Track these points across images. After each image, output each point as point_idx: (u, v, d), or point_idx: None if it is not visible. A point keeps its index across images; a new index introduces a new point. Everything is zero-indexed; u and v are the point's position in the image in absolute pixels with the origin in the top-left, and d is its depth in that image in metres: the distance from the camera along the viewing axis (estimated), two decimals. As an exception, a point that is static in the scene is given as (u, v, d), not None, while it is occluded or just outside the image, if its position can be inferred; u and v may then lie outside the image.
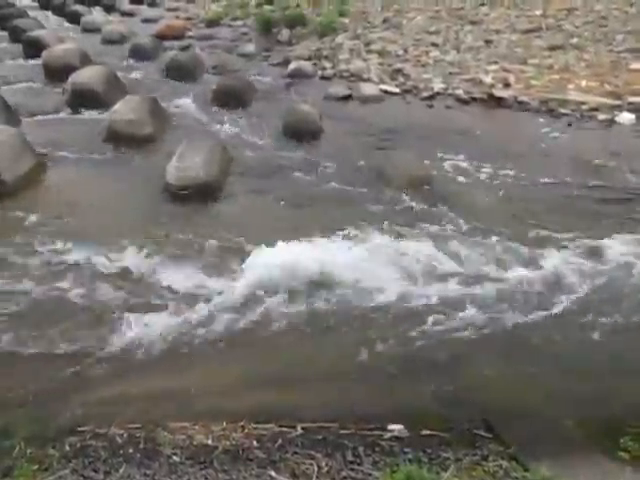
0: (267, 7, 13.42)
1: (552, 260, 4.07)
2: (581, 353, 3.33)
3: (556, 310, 3.63)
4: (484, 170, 5.63)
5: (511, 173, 5.57)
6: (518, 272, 3.96)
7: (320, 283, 3.76)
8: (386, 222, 4.56)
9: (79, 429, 2.68)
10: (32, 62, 8.64)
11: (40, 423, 2.73)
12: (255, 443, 2.58)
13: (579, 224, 4.57)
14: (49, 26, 11.46)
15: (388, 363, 3.23)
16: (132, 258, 4.04)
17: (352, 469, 2.45)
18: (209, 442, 2.59)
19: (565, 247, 4.25)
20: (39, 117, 6.61)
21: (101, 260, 4.02)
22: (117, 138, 5.96)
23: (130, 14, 14.35)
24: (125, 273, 3.92)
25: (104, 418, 2.78)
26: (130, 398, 2.97)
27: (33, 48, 8.97)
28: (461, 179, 5.47)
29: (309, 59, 9.41)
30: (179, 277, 3.87)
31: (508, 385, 3.09)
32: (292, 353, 3.32)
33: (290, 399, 2.97)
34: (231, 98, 7.25)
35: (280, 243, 4.00)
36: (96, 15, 13.81)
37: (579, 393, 3.03)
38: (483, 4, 12.81)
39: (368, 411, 2.87)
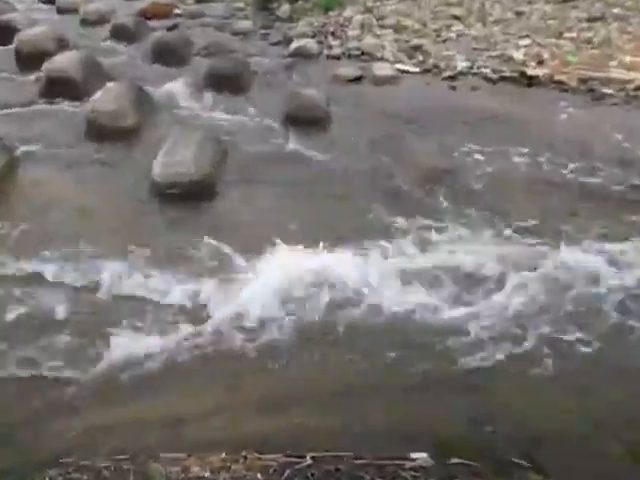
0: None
1: (600, 266, 4.03)
2: (635, 371, 3.32)
3: (609, 322, 3.62)
4: (517, 161, 5.63)
5: (548, 164, 5.58)
6: (559, 279, 3.95)
7: (328, 295, 3.79)
8: (404, 224, 4.59)
9: (61, 461, 2.70)
10: (2, 48, 8.72)
11: (17, 454, 2.77)
12: (259, 476, 2.59)
13: (630, 225, 4.56)
14: (21, 8, 11.55)
15: (408, 383, 3.25)
16: (114, 268, 4.07)
17: (370, 504, 2.44)
18: (206, 475, 2.60)
19: (613, 251, 4.23)
20: (10, 109, 6.70)
21: (80, 272, 4.06)
22: (97, 131, 6.03)
23: (110, -10, 14.40)
24: (106, 286, 3.95)
25: (89, 448, 2.81)
26: (117, 426, 3.00)
27: (3, 33, 9.05)
28: (490, 171, 5.47)
29: (313, 36, 9.45)
30: (168, 290, 3.90)
31: (548, 407, 3.09)
32: (298, 373, 3.34)
33: (298, 425, 2.98)
34: (225, 83, 7.31)
35: (282, 250, 4.03)
36: (72, -7, 13.87)
37: (630, 417, 3.03)
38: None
39: (387, 437, 2.88)
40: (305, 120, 6.35)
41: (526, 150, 5.78)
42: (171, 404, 3.16)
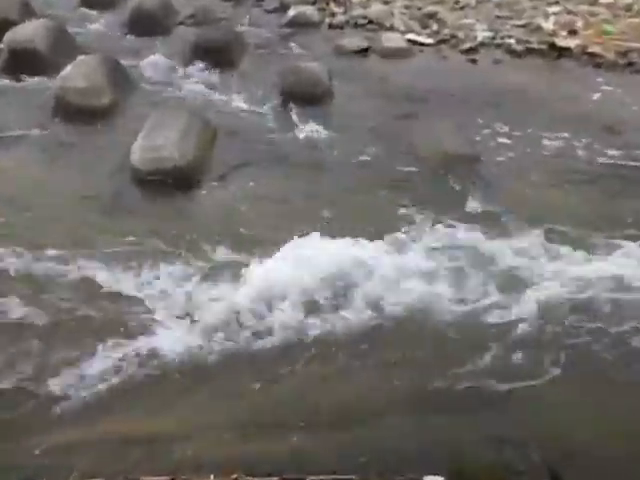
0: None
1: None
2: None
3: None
4: (545, 144, 5.65)
5: (580, 148, 5.58)
6: (588, 280, 3.96)
7: (331, 296, 3.81)
8: (417, 215, 4.59)
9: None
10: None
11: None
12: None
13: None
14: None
15: (420, 397, 3.25)
16: (91, 265, 4.06)
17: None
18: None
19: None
20: (-32, 87, 6.61)
21: (51, 269, 4.05)
22: (68, 111, 6.01)
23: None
24: (81, 285, 3.94)
25: (61, 469, 2.81)
26: (94, 444, 2.99)
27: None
28: (515, 157, 5.47)
29: (313, 3, 9.41)
30: (151, 290, 3.90)
31: (578, 423, 3.11)
32: (297, 385, 3.34)
33: (296, 444, 2.98)
34: (214, 55, 7.29)
35: (280, 245, 4.04)
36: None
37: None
38: None
39: (396, 457, 2.88)
40: (304, 98, 6.35)
41: (556, 132, 5.79)
42: (153, 421, 3.15)
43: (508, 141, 5.69)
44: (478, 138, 5.71)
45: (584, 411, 3.20)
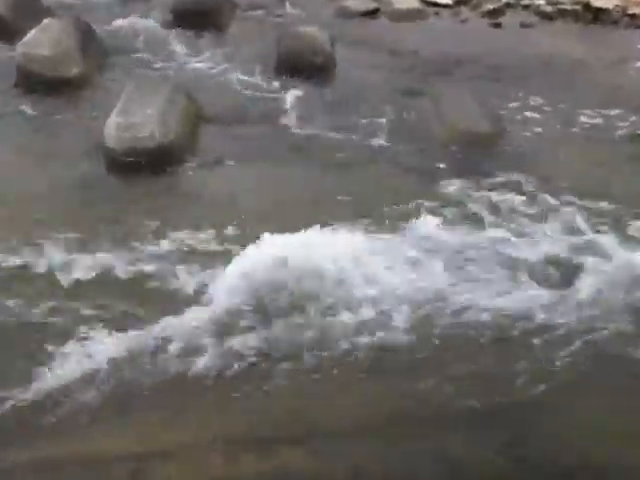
0: None
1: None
2: None
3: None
4: (579, 119, 5.64)
5: (619, 123, 5.58)
6: (625, 269, 3.97)
7: (330, 295, 3.78)
8: (429, 201, 4.57)
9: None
10: None
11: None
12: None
13: None
14: None
15: (430, 410, 3.24)
16: (59, 259, 4.05)
17: None
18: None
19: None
20: None
21: (13, 262, 4.03)
22: (31, 82, 5.97)
23: None
24: (49, 280, 3.92)
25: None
26: (66, 461, 3.00)
27: None
28: (544, 134, 5.45)
29: (314, -43, 9.35)
30: (126, 286, 3.89)
31: (614, 437, 3.08)
32: (295, 395, 3.32)
33: (296, 464, 2.98)
34: (200, 19, 7.28)
35: (271, 237, 3.99)
36: None
37: None
38: None
39: (404, 476, 2.89)
40: (303, 67, 6.33)
41: (591, 106, 5.79)
42: (131, 434, 3.13)
43: (536, 116, 5.69)
44: (502, 112, 5.69)
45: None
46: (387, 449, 3.02)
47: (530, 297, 3.80)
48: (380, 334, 3.56)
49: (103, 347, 3.47)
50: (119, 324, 3.63)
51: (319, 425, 3.16)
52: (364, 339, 3.53)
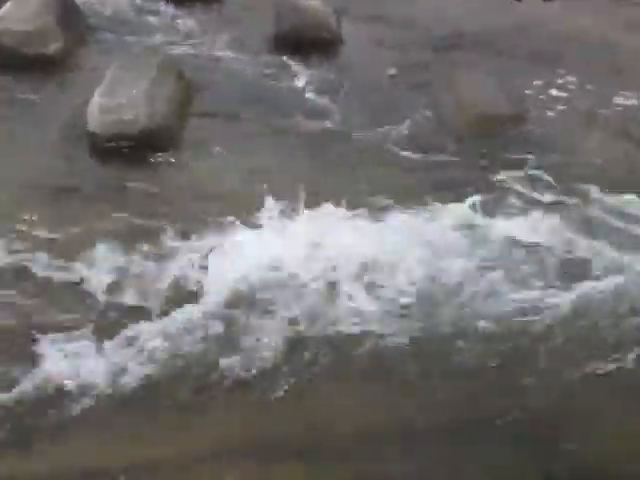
0: None
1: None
2: None
3: None
4: (612, 102, 5.64)
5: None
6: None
7: (336, 293, 3.83)
8: (443, 192, 4.59)
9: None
10: None
11: None
12: None
13: None
14: None
15: (441, 420, 3.28)
16: (38, 252, 4.07)
17: None
18: None
19: None
20: None
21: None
22: (6, 59, 5.97)
23: None
24: (28, 275, 3.95)
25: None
26: (45, 475, 3.01)
27: None
28: (572, 118, 5.46)
29: None
30: (109, 281, 3.91)
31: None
32: (298, 403, 3.36)
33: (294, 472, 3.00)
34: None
35: (268, 229, 4.06)
36: None
37: None
38: None
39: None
40: (305, 43, 6.33)
41: (627, 88, 5.78)
42: (118, 444, 3.15)
43: (562, 97, 5.69)
44: (526, 92, 5.69)
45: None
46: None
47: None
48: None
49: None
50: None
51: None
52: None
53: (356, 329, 3.67)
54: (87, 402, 3.28)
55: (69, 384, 3.33)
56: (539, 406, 3.35)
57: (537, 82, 5.84)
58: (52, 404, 3.27)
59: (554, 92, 5.75)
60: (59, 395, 3.30)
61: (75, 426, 3.20)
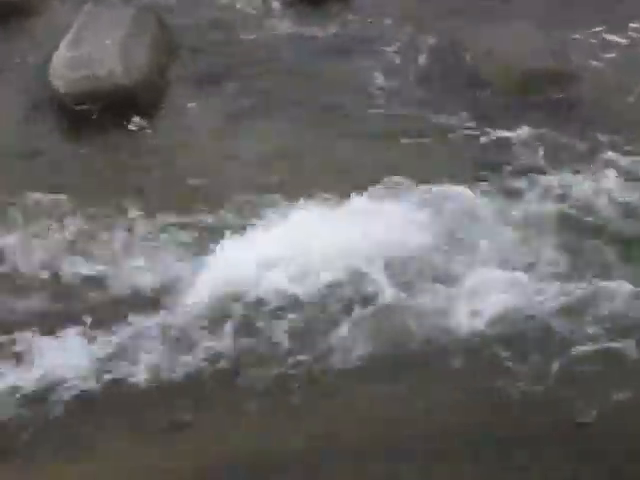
0: None
1: None
2: None
3: None
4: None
5: None
6: None
7: (342, 292, 3.63)
8: (479, 163, 4.40)
9: None
10: None
11: None
12: None
13: None
14: None
15: (450, 429, 3.06)
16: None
17: None
18: None
19: None
20: None
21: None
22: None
23: None
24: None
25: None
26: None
27: None
28: (628, 74, 5.13)
29: None
30: (83, 270, 3.77)
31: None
32: (297, 410, 3.18)
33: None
34: None
35: (267, 213, 3.92)
36: None
37: None
38: None
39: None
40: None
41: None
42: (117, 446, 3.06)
43: (620, 51, 5.35)
44: (574, 48, 5.39)
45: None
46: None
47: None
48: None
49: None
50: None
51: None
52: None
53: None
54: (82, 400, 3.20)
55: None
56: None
57: (586, 34, 5.48)
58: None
59: (608, 47, 5.40)
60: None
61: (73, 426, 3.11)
